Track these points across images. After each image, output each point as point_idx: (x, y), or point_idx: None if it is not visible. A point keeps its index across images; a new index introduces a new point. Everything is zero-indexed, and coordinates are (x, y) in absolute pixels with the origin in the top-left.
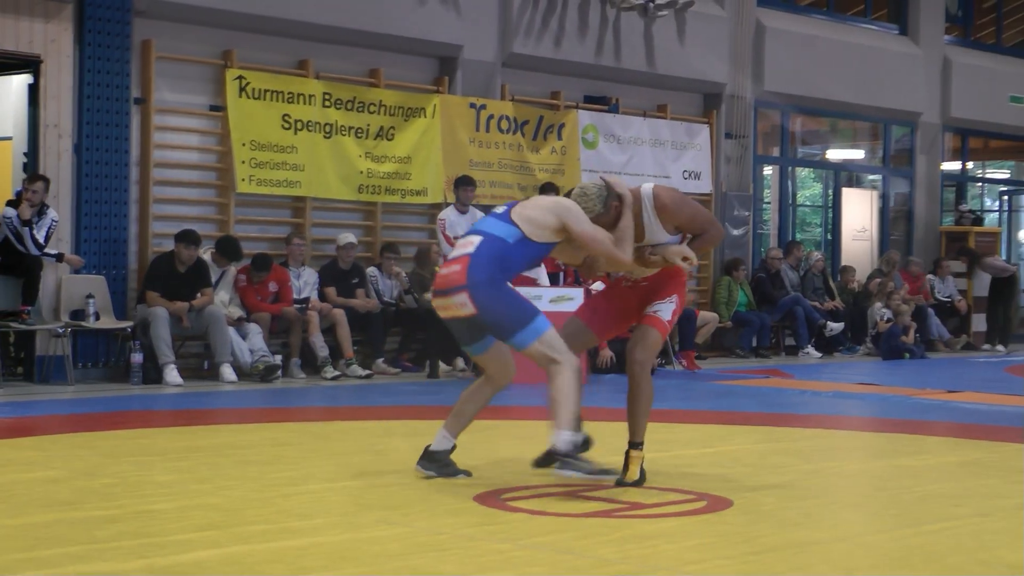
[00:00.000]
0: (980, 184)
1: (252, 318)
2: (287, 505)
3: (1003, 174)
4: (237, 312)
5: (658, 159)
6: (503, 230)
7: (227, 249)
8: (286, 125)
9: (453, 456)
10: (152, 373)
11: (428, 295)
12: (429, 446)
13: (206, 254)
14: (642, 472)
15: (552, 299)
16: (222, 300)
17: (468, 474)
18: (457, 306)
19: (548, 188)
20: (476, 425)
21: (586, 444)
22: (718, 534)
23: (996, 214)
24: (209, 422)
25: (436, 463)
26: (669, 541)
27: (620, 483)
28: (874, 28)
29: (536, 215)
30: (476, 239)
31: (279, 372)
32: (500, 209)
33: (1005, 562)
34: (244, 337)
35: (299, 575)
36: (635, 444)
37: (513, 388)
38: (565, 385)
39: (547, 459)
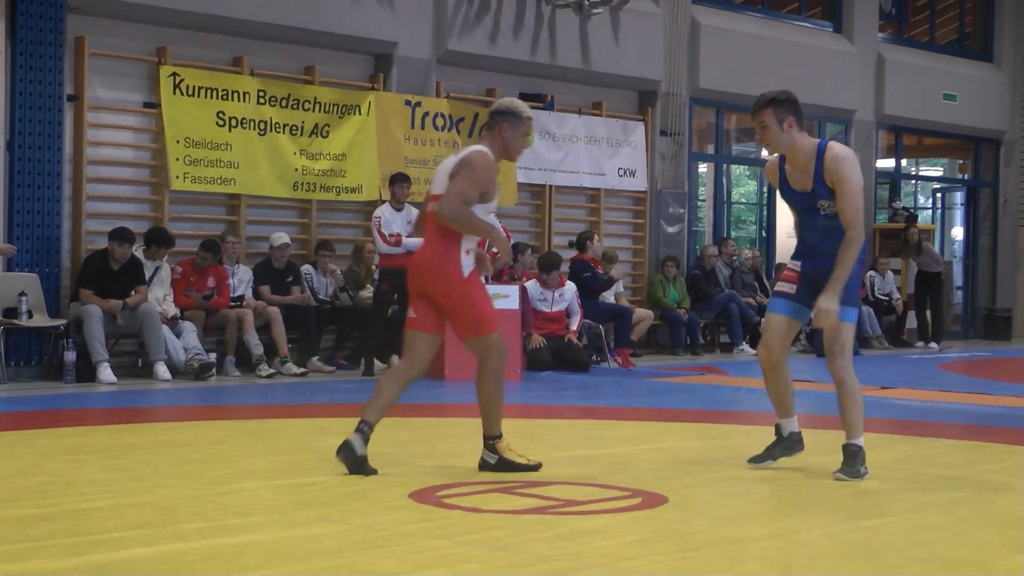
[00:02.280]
0: (914, 182)
1: (186, 316)
2: (223, 503)
3: (936, 172)
4: (171, 310)
5: (593, 156)
6: None
7: (157, 238)
8: (221, 122)
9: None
10: (86, 371)
11: (363, 292)
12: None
13: (139, 251)
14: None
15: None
16: (156, 298)
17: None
18: None
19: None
20: (413, 423)
21: None
22: (653, 530)
23: (929, 211)
24: (144, 420)
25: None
26: (604, 537)
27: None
28: (809, 26)
29: None
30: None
31: (213, 370)
32: None
33: (942, 559)
34: (178, 335)
35: (236, 573)
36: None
37: (450, 385)
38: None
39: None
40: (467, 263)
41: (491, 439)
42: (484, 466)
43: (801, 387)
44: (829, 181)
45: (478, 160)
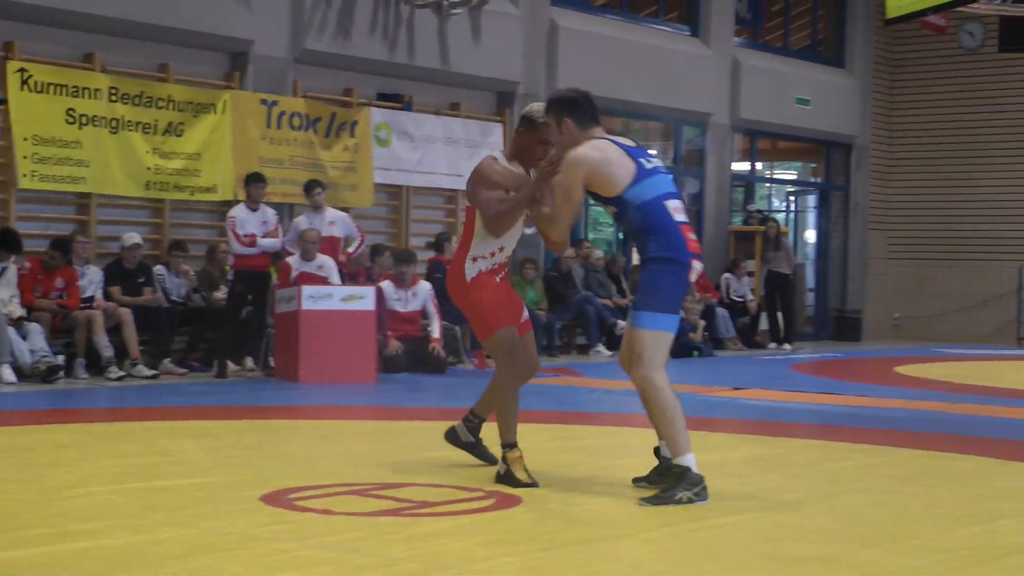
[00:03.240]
0: (768, 184)
1: (33, 317)
2: (67, 508)
3: (790, 175)
4: (17, 311)
5: (451, 157)
6: None
7: (6, 240)
8: (71, 120)
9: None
10: None
11: (217, 293)
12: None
13: None
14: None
15: (343, 297)
16: (1, 299)
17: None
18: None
19: (312, 184)
20: (266, 425)
21: None
22: (506, 531)
23: (783, 214)
24: None
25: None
26: (457, 539)
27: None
28: (666, 29)
29: None
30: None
31: (61, 372)
32: (659, 162)
33: (788, 555)
34: (24, 337)
35: None
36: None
37: (304, 387)
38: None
39: None
40: (471, 269)
41: (503, 447)
42: (497, 477)
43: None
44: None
45: (483, 166)
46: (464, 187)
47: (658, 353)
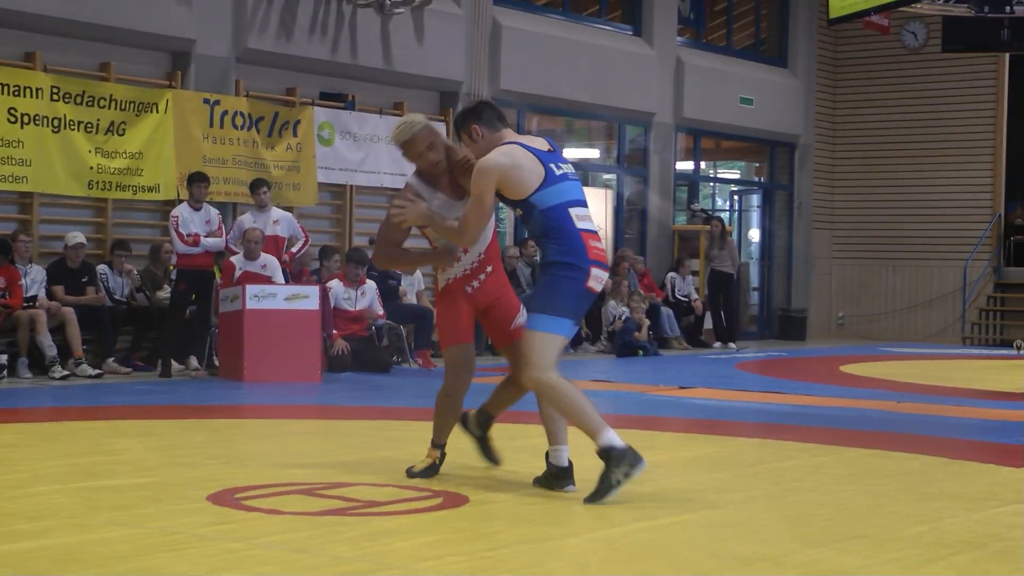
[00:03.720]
0: (712, 184)
1: None
2: (12, 508)
3: (734, 174)
4: None
5: (395, 157)
6: None
7: None
8: (12, 119)
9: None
10: None
11: (160, 293)
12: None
13: None
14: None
15: (287, 297)
16: None
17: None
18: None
19: (258, 183)
20: (210, 424)
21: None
22: (453, 531)
23: (727, 213)
24: None
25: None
26: (405, 538)
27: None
28: (609, 29)
29: None
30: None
31: (4, 372)
32: (570, 168)
33: (735, 554)
34: None
35: None
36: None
37: (248, 386)
38: (571, 396)
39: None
40: (441, 278)
41: (432, 444)
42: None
43: (598, 387)
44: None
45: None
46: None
47: (547, 355)
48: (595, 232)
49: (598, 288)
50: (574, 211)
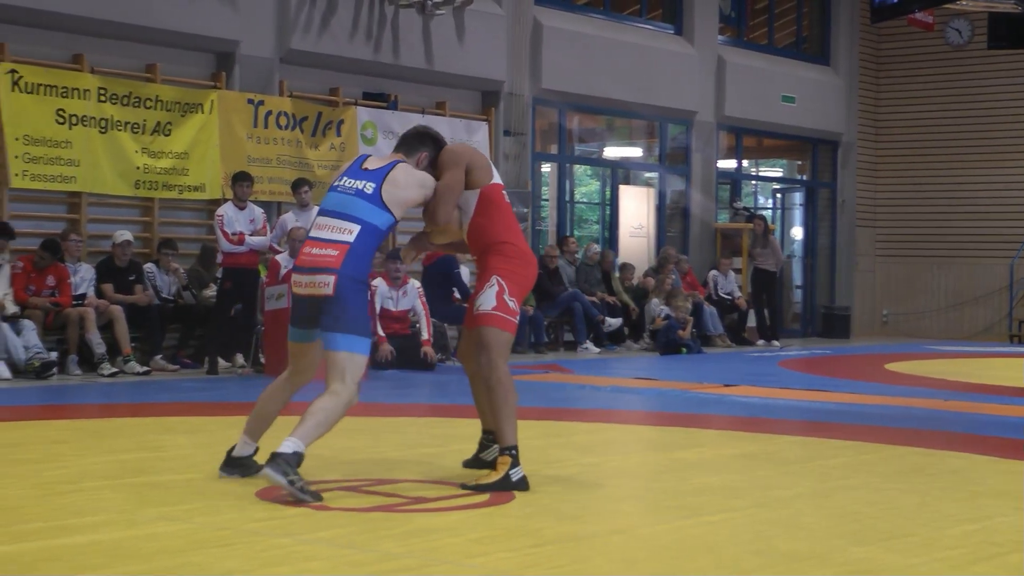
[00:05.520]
0: (754, 182)
1: (26, 315)
2: (63, 503)
3: (776, 172)
4: (11, 308)
5: None
6: (379, 218)
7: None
8: (61, 120)
9: (256, 458)
10: None
11: (206, 291)
12: (231, 451)
13: None
14: (508, 479)
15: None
16: None
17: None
18: (319, 284)
19: (300, 182)
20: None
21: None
22: (500, 527)
23: (770, 211)
24: None
25: (240, 467)
26: (452, 535)
27: (473, 487)
28: (650, 28)
29: (409, 197)
30: (355, 228)
31: (55, 369)
32: (360, 184)
33: (780, 551)
34: (18, 333)
35: (78, 573)
36: (505, 449)
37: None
38: (330, 411)
39: (270, 460)
40: None
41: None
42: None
43: (642, 385)
44: None
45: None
46: None
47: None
48: (319, 239)
49: (296, 290)
50: (317, 219)
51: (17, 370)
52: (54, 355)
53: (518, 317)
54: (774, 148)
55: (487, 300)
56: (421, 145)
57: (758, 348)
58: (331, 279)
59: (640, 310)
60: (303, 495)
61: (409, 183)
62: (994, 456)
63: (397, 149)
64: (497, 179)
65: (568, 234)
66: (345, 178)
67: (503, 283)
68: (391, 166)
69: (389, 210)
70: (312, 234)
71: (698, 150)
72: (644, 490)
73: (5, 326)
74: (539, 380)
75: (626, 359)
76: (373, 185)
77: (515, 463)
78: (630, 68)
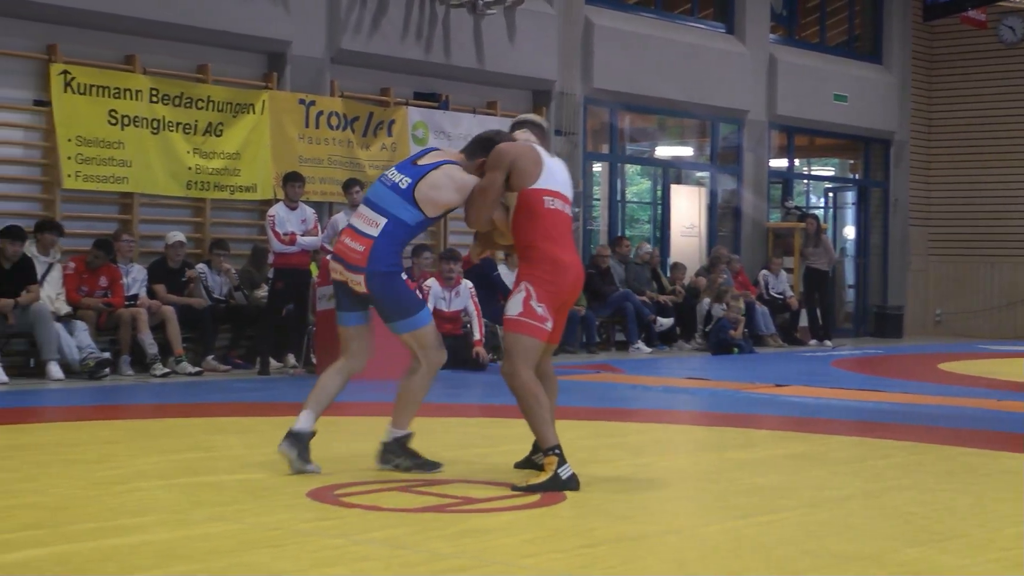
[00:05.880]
0: (806, 181)
1: (78, 315)
2: (116, 503)
3: (828, 171)
4: (64, 308)
5: None
6: (407, 214)
7: (48, 226)
8: (113, 120)
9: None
10: None
11: (258, 291)
12: (292, 427)
13: (31, 249)
14: (557, 478)
15: None
16: (48, 296)
17: (317, 469)
18: (353, 282)
19: (351, 183)
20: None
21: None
22: (551, 528)
23: (822, 211)
24: (35, 420)
25: (299, 445)
26: (504, 535)
27: (523, 488)
28: (701, 27)
29: (443, 199)
30: (382, 221)
31: (108, 368)
32: (398, 178)
33: (832, 552)
34: (71, 334)
35: (130, 573)
36: (548, 450)
37: (350, 383)
38: (413, 389)
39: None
40: None
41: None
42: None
43: (693, 385)
44: None
45: None
46: None
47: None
48: (353, 230)
49: (333, 275)
50: (359, 207)
51: (70, 371)
52: (107, 354)
53: (548, 323)
54: (826, 147)
55: (513, 306)
56: (482, 152)
57: (810, 348)
58: (361, 278)
59: (691, 310)
60: (423, 470)
61: (446, 185)
62: None
63: (464, 149)
64: (543, 183)
65: (619, 233)
66: (393, 169)
67: (531, 288)
68: (435, 166)
69: (420, 208)
70: (350, 222)
71: (750, 149)
72: (696, 490)
73: (59, 326)
74: (591, 380)
75: (678, 359)
76: (409, 181)
77: (562, 461)
78: (681, 67)
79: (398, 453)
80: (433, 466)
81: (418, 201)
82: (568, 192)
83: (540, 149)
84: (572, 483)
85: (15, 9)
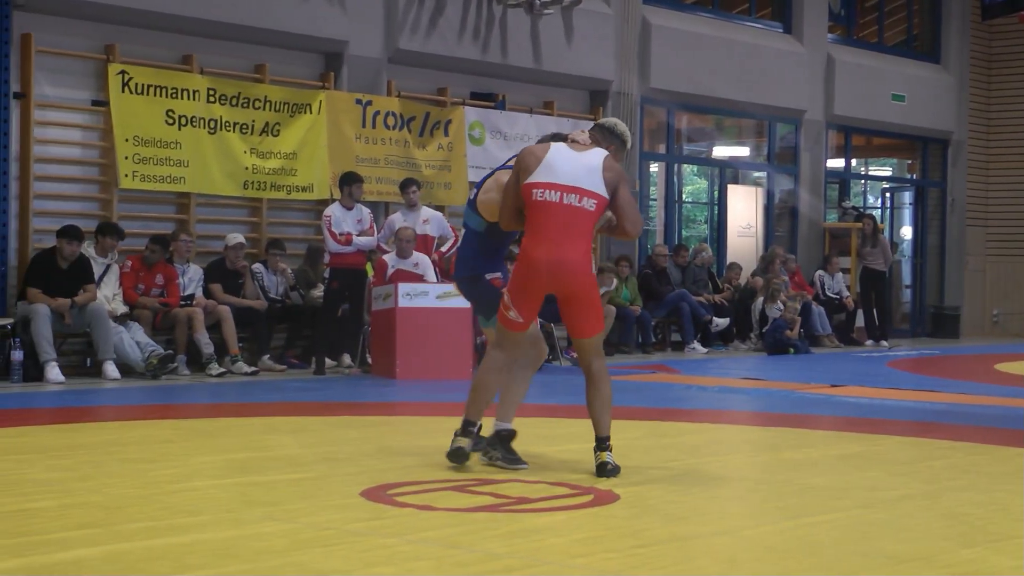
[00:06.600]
0: (863, 181)
1: (135, 314)
2: (170, 502)
3: (885, 171)
4: (121, 308)
5: None
6: (473, 220)
7: (108, 229)
8: (170, 120)
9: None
10: (33, 371)
11: (314, 291)
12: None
13: (89, 248)
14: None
15: (439, 295)
16: (105, 296)
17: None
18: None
19: (408, 183)
20: (363, 421)
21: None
22: (605, 528)
23: (879, 211)
24: (91, 420)
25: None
26: (556, 535)
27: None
28: (758, 26)
29: (488, 199)
30: (461, 233)
31: (173, 365)
32: (472, 190)
33: (885, 553)
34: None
35: (182, 572)
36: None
37: (400, 384)
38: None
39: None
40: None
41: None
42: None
43: (749, 385)
44: None
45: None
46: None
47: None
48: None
49: None
50: None
51: (127, 370)
52: (170, 350)
53: (512, 312)
54: (883, 147)
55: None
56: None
57: (867, 348)
58: (453, 286)
59: (747, 310)
60: (509, 466)
61: (492, 188)
62: None
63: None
64: (536, 176)
65: (677, 234)
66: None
67: (509, 280)
68: (490, 173)
69: (480, 214)
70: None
71: (807, 149)
72: (750, 491)
73: (117, 326)
74: (646, 380)
75: (733, 359)
76: (474, 191)
77: (455, 436)
78: (738, 67)
79: (495, 446)
80: (518, 463)
81: (478, 207)
82: (578, 182)
83: (557, 144)
84: (450, 456)
85: (73, 10)
